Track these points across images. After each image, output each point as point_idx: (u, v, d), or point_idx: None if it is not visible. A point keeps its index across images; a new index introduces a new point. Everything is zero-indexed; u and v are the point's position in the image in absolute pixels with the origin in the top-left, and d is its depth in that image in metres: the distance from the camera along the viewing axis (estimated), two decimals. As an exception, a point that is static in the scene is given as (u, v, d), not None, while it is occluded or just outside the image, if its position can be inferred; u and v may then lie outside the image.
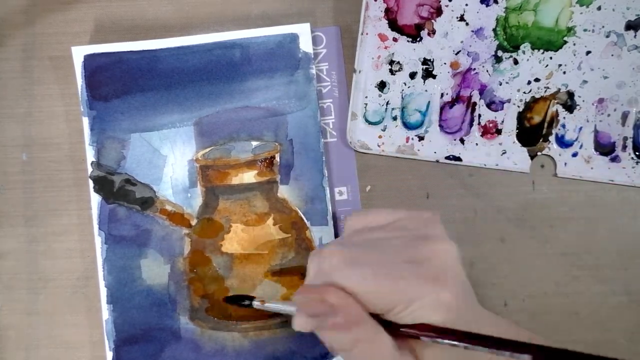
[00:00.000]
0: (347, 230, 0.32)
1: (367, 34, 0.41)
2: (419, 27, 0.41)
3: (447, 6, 0.41)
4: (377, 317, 0.28)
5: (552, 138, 0.41)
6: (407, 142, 0.41)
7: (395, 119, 0.41)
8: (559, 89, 0.41)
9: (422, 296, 0.26)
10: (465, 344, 0.26)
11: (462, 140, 0.41)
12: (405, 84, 0.41)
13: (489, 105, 0.41)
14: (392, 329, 0.28)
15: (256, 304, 0.35)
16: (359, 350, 0.27)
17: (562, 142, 0.41)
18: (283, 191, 0.40)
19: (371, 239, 0.30)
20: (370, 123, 0.41)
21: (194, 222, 0.39)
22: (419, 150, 0.41)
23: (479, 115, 0.41)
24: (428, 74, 0.41)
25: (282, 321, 0.39)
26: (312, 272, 0.29)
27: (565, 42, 0.40)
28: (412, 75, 0.41)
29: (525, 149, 0.41)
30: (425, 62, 0.41)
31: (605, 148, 0.40)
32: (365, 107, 0.41)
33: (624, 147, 0.40)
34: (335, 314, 0.27)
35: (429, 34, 0.41)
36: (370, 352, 0.27)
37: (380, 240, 0.29)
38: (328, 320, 0.27)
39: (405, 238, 0.29)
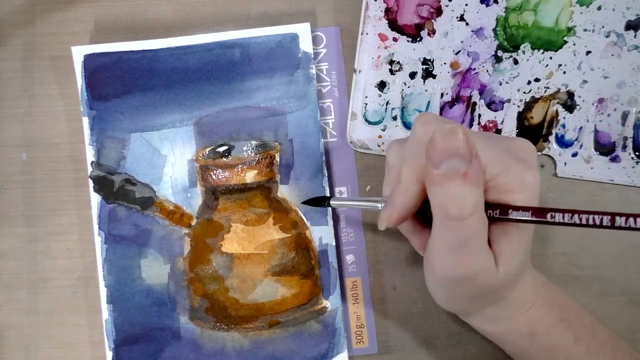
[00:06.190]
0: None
1: (367, 33, 0.41)
2: (419, 27, 0.41)
3: (447, 6, 0.41)
4: None
5: (552, 138, 0.41)
6: (407, 142, 0.41)
7: (395, 118, 0.41)
8: (559, 89, 0.41)
9: (517, 173, 0.27)
10: (540, 219, 0.26)
11: (462, 140, 0.41)
12: (405, 84, 0.41)
13: (488, 105, 0.41)
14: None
15: (334, 203, 0.37)
16: (474, 220, 0.25)
17: (562, 142, 0.41)
18: (283, 191, 0.40)
19: None
20: (370, 123, 0.41)
21: (193, 222, 0.39)
22: (419, 150, 0.41)
23: (479, 115, 0.41)
24: (428, 74, 0.41)
25: (282, 321, 0.39)
26: (420, 129, 0.28)
27: (565, 42, 0.40)
28: (412, 75, 0.41)
29: (525, 149, 0.41)
30: (425, 62, 0.41)
31: (605, 148, 0.40)
32: (365, 107, 0.41)
33: (624, 147, 0.40)
34: (471, 161, 0.24)
35: (429, 34, 0.41)
36: (482, 225, 0.26)
37: None
38: (461, 168, 0.24)
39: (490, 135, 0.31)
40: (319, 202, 0.38)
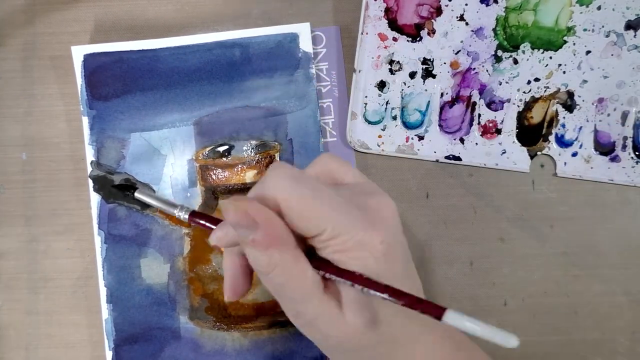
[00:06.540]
0: (317, 165, 0.30)
1: (366, 33, 0.41)
2: (418, 27, 0.41)
3: (447, 6, 0.41)
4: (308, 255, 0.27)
5: (551, 138, 0.41)
6: (406, 141, 0.41)
7: (395, 118, 0.41)
8: (559, 89, 0.41)
9: (353, 232, 0.26)
10: (379, 294, 0.25)
11: (461, 140, 0.41)
12: (405, 84, 0.41)
13: (488, 105, 0.41)
14: (318, 262, 0.27)
15: (138, 196, 0.38)
16: (276, 275, 0.26)
17: (562, 142, 0.41)
18: (283, 191, 0.40)
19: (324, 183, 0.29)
20: (370, 123, 0.41)
21: (193, 222, 0.39)
22: (418, 149, 0.41)
23: (479, 115, 0.41)
24: (428, 74, 0.41)
25: (282, 321, 0.39)
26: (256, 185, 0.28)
27: (565, 41, 0.41)
28: (412, 75, 0.41)
29: (525, 149, 0.41)
30: (425, 61, 0.41)
31: (605, 148, 0.40)
32: (365, 107, 0.41)
33: (624, 147, 0.40)
34: (255, 229, 0.26)
35: (428, 34, 0.41)
36: (289, 279, 0.26)
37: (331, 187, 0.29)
38: (249, 236, 0.26)
39: (353, 191, 0.29)
40: (122, 188, 0.39)
